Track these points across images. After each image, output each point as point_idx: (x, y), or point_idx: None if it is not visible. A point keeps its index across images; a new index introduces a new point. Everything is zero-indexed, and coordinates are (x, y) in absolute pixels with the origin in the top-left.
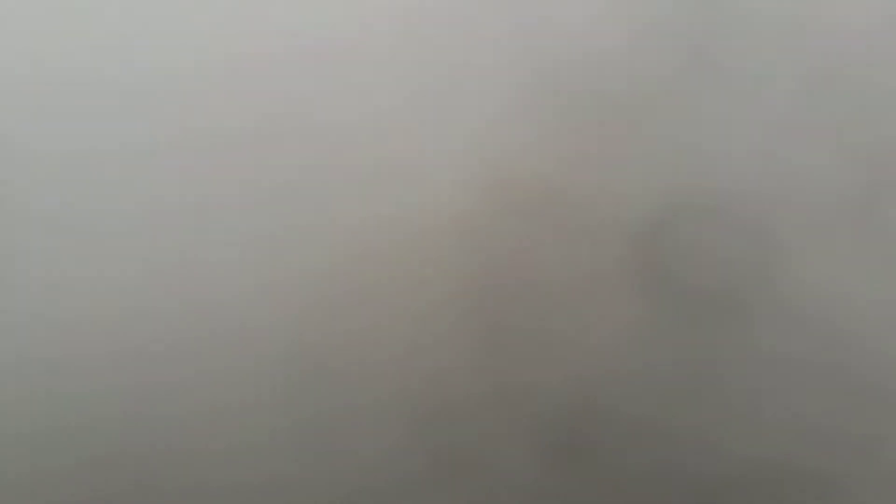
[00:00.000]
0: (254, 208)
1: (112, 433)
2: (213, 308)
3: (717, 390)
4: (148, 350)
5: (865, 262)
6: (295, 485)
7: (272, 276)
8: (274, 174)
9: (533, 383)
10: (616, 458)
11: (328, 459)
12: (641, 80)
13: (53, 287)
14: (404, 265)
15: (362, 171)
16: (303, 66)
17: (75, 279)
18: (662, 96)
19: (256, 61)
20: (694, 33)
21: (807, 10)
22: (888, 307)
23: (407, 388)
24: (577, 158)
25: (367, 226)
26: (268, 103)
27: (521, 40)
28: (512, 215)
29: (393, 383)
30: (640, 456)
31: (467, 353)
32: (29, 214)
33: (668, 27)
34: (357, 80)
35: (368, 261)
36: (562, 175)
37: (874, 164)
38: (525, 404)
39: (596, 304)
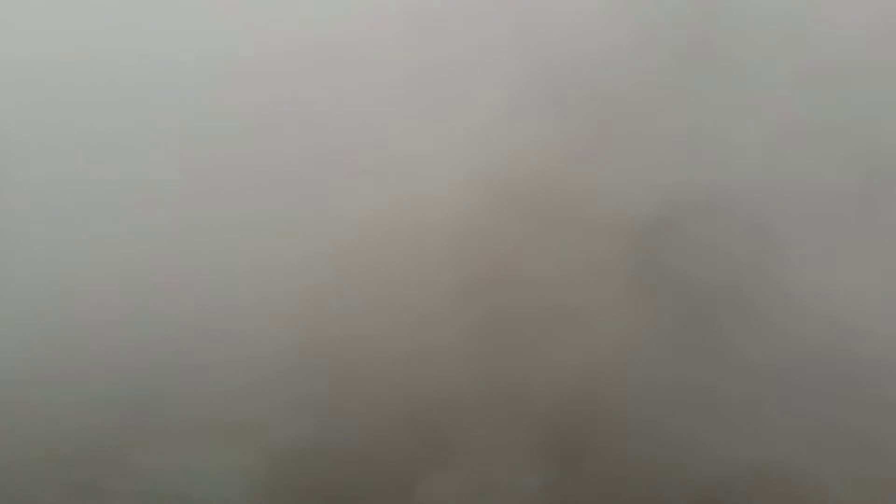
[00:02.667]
0: (259, 203)
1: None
2: (215, 298)
3: (716, 389)
4: (145, 338)
5: (866, 262)
6: (288, 479)
7: (276, 268)
8: (279, 169)
9: (531, 381)
10: (614, 456)
11: (322, 455)
12: (642, 81)
13: (54, 273)
14: (405, 261)
15: (367, 167)
16: (310, 65)
17: (75, 268)
18: (663, 97)
19: (262, 59)
20: (695, 35)
21: (807, 12)
22: (889, 307)
23: (406, 385)
24: (578, 158)
25: (370, 221)
26: (275, 102)
27: (523, 42)
28: (513, 213)
29: (391, 380)
30: (639, 454)
31: (465, 351)
32: (28, 203)
33: (669, 29)
34: (363, 80)
35: (370, 255)
36: (563, 174)
37: (874, 165)
38: (523, 402)
39: (596, 302)
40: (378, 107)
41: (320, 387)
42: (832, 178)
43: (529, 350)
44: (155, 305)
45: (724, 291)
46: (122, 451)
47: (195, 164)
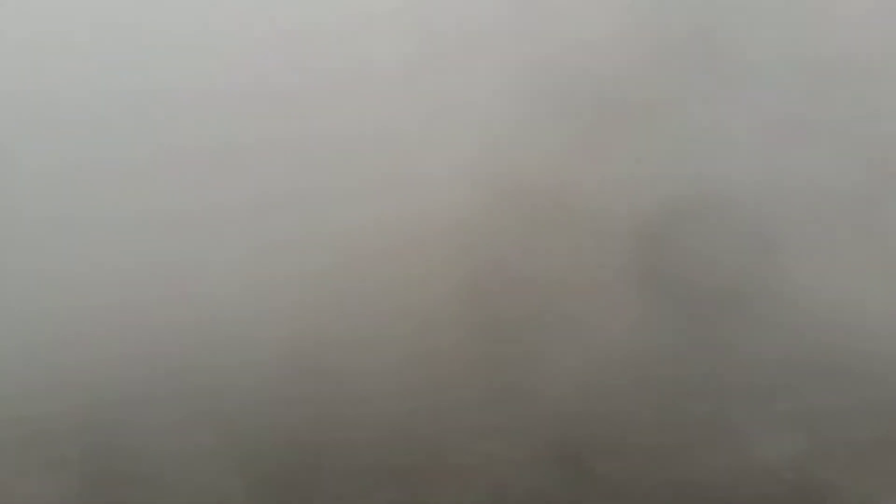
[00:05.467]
0: (274, 214)
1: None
2: (220, 307)
3: (716, 390)
4: (149, 352)
5: (865, 262)
6: (290, 484)
7: (289, 275)
8: (294, 183)
9: (533, 383)
10: (615, 456)
11: (322, 459)
12: (644, 90)
13: (56, 288)
14: (411, 266)
15: (378, 179)
16: (325, 84)
17: (77, 281)
18: (664, 106)
19: (275, 80)
20: (696, 46)
21: (807, 12)
22: (888, 307)
23: (409, 386)
24: (582, 164)
25: (379, 228)
26: (291, 119)
27: (529, 56)
28: (518, 219)
29: (395, 383)
30: (639, 455)
31: (468, 353)
32: (33, 223)
33: (670, 41)
34: (374, 94)
35: (380, 261)
36: (566, 180)
37: (874, 164)
38: (525, 404)
39: (599, 304)
40: (388, 118)
41: (321, 389)
42: (831, 180)
43: (531, 351)
44: (158, 312)
45: (726, 292)
46: None
47: (219, 181)
